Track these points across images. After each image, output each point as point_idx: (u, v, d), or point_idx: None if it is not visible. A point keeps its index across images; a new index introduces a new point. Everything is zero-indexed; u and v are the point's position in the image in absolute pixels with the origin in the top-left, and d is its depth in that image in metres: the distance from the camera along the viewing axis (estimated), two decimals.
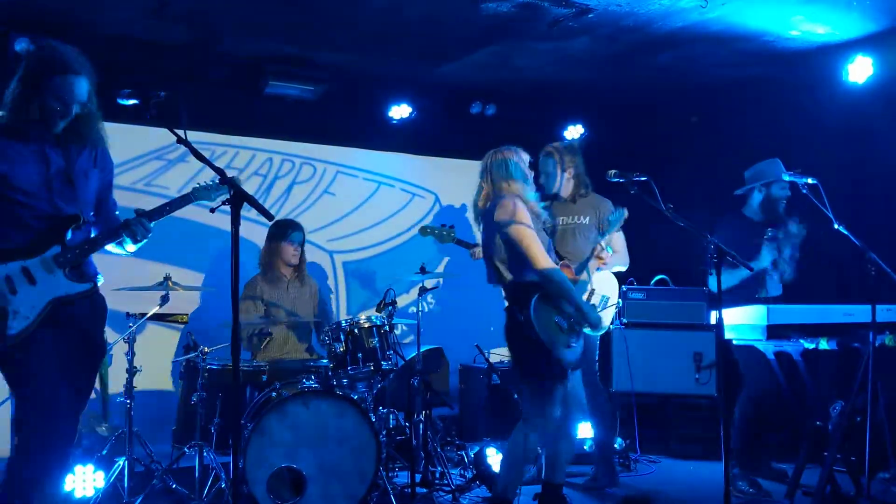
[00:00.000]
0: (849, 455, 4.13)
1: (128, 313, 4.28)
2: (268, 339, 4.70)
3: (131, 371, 4.20)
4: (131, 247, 2.94)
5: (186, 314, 4.69)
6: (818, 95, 5.38)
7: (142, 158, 5.64)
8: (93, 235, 2.90)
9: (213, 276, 5.75)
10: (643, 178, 3.56)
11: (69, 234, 2.80)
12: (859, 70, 5.09)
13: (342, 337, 4.24)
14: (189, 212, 5.56)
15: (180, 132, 2.56)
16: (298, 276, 5.00)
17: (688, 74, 5.78)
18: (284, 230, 4.91)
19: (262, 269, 4.96)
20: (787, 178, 4.27)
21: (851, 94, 5.17)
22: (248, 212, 2.51)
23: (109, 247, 2.92)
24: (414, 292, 5.28)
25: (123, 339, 4.25)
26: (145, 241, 2.91)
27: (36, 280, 2.73)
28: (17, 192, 2.71)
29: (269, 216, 2.48)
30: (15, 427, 2.78)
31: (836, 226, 3.90)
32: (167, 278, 4.24)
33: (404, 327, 5.01)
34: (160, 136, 5.37)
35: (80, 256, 2.82)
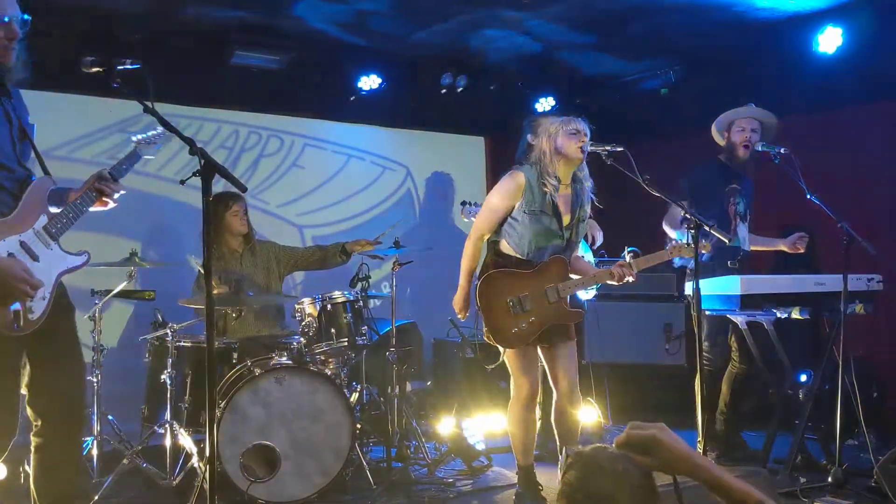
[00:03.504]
0: (819, 423, 4.20)
1: (93, 290, 4.17)
2: (238, 315, 4.60)
3: (97, 349, 4.11)
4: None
5: (153, 291, 4.58)
6: (788, 66, 5.38)
7: (105, 131, 5.47)
8: (71, 200, 2.71)
9: (148, 250, 5.52)
10: (619, 149, 3.53)
11: (48, 200, 2.65)
12: (829, 40, 5.10)
13: (315, 313, 4.19)
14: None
15: (147, 102, 2.45)
16: (250, 247, 4.80)
17: (659, 45, 5.74)
18: (225, 201, 4.65)
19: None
20: (760, 147, 4.29)
21: (822, 64, 5.18)
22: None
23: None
24: (387, 267, 5.22)
25: (89, 316, 4.14)
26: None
27: (38, 256, 2.57)
28: None
29: (241, 187, 2.40)
30: None
31: (808, 195, 3.93)
32: (133, 254, 4.13)
33: (377, 302, 4.96)
34: (123, 108, 5.21)
35: (68, 225, 2.67)
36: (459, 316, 3.79)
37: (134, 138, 3.08)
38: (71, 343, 2.86)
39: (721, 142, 4.62)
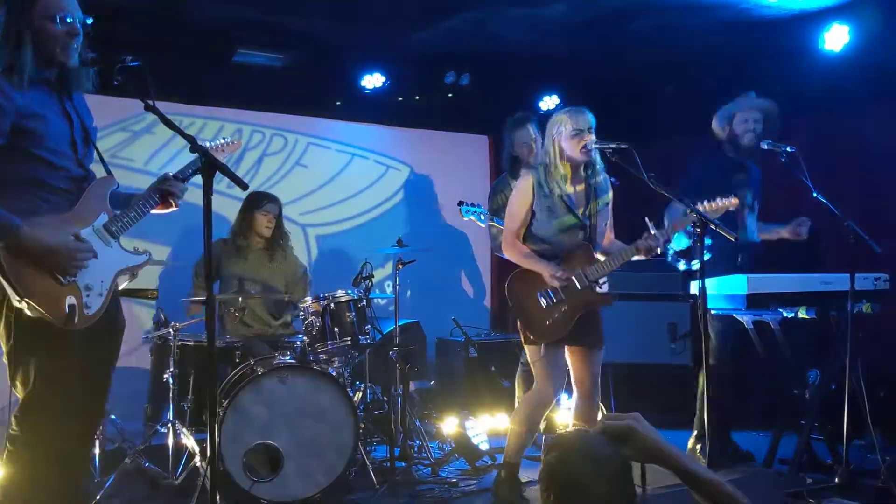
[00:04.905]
0: (825, 423, 4.17)
1: None
2: (241, 313, 4.57)
3: None
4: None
5: (156, 289, 4.56)
6: (795, 64, 5.35)
7: (105, 130, 5.46)
8: (134, 201, 2.71)
9: (180, 251, 5.56)
10: (624, 146, 3.51)
11: (108, 200, 2.64)
12: (836, 38, 5.07)
13: (319, 312, 4.17)
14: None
15: (148, 100, 2.43)
16: (269, 251, 4.83)
17: (664, 42, 5.71)
18: (260, 199, 4.79)
19: (231, 237, 4.81)
20: (766, 146, 4.25)
21: (828, 62, 5.15)
22: (216, 184, 2.39)
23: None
24: (390, 266, 5.20)
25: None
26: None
27: (96, 252, 2.56)
28: (47, 151, 2.51)
29: (243, 185, 2.37)
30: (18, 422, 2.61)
31: (814, 194, 3.90)
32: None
33: (381, 301, 4.94)
34: (125, 106, 5.19)
35: (129, 225, 2.67)
36: (558, 276, 3.55)
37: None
38: (93, 370, 2.77)
39: (721, 134, 4.57)
